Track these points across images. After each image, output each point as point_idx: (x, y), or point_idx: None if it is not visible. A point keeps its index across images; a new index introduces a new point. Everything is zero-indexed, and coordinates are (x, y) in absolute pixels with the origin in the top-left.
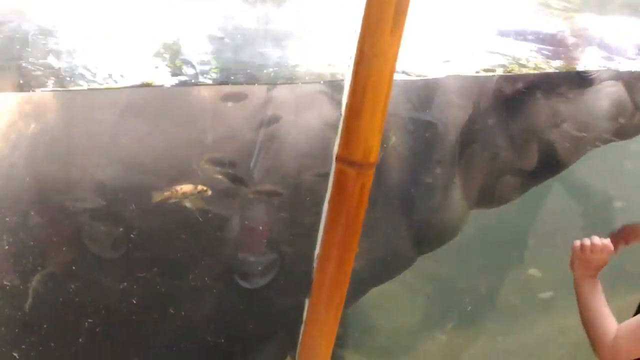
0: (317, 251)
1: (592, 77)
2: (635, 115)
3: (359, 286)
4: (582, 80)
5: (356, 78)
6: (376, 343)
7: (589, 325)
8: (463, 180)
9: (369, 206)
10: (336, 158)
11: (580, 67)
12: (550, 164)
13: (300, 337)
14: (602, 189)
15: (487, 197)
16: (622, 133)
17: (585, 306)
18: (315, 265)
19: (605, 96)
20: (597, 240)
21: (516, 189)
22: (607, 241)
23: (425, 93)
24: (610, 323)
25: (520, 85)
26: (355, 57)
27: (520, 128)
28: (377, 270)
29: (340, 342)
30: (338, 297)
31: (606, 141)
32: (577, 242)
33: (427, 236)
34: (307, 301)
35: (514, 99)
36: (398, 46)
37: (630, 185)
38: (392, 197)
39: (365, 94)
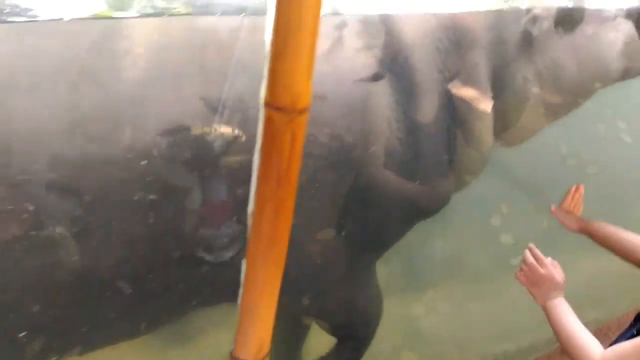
0: (250, 207)
1: (608, 14)
2: None
3: (407, 220)
4: (599, 17)
5: (279, 14)
6: None
7: (566, 347)
8: (494, 113)
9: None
10: (263, 104)
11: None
12: (569, 100)
13: (239, 299)
14: (575, 153)
15: (510, 132)
16: (628, 73)
17: (557, 329)
18: (249, 222)
19: (621, 34)
20: (529, 258)
21: (539, 124)
22: (544, 259)
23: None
24: (588, 343)
25: (542, 20)
26: None
27: (545, 62)
28: (422, 205)
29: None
30: (276, 256)
31: (614, 80)
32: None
33: (460, 173)
34: (243, 262)
35: (537, 34)
36: None
37: (604, 151)
38: (431, 133)
39: (288, 32)
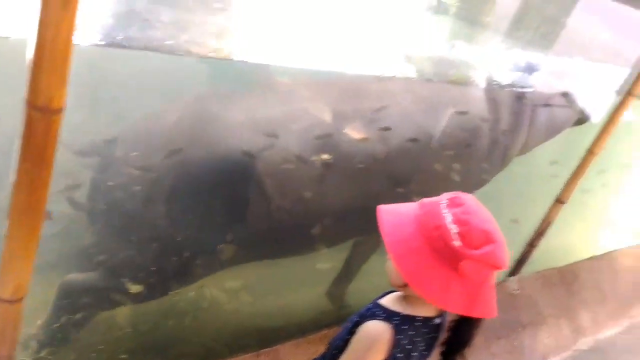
0: (11, 179)
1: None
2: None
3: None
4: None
5: (37, 40)
6: None
7: None
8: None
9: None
10: (26, 102)
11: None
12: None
13: (2, 251)
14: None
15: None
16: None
17: None
18: (11, 190)
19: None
20: None
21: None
22: None
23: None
24: None
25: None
26: (37, 23)
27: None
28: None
29: None
30: (31, 219)
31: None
32: None
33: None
34: (6, 221)
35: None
36: (72, 20)
37: None
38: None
39: (43, 53)
